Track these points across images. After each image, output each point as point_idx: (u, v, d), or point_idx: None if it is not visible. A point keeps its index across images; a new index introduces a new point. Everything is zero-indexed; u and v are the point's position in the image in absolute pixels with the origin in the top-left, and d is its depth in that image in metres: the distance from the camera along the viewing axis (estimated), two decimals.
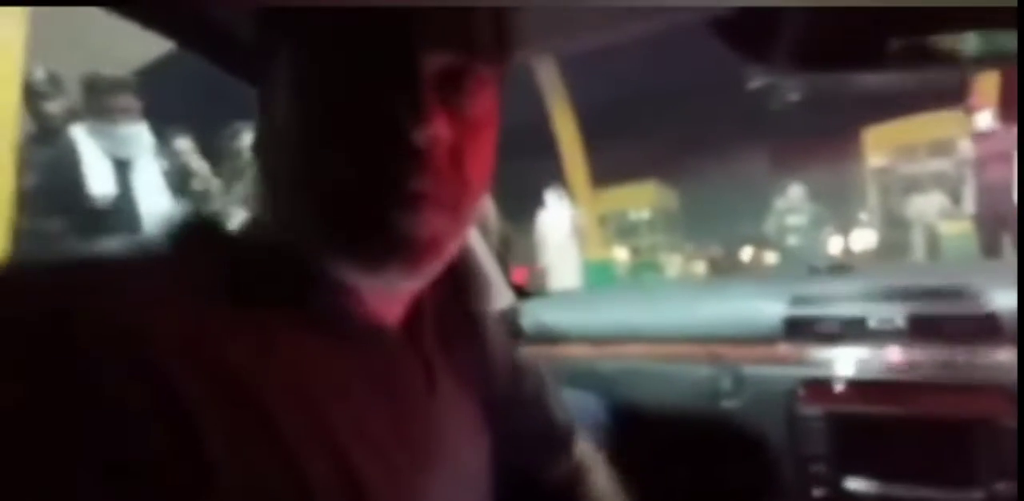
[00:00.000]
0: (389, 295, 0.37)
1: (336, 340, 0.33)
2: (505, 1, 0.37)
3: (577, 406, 0.77)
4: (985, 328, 0.74)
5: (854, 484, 0.76)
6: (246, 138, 2.01)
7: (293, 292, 0.32)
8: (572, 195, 6.65)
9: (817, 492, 0.76)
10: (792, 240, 5.66)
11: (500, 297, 1.20)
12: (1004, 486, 0.69)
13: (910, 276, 0.94)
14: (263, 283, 0.32)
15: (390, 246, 0.31)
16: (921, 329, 0.77)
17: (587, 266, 6.44)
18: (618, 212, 12.65)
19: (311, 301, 0.33)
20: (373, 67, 0.30)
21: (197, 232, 0.34)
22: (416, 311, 0.39)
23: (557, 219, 5.37)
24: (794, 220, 5.63)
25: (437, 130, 0.30)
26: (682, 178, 13.95)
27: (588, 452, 0.57)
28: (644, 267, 10.64)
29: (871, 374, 0.78)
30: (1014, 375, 0.70)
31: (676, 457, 0.82)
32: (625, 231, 12.71)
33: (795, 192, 5.72)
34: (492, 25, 0.34)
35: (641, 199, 12.97)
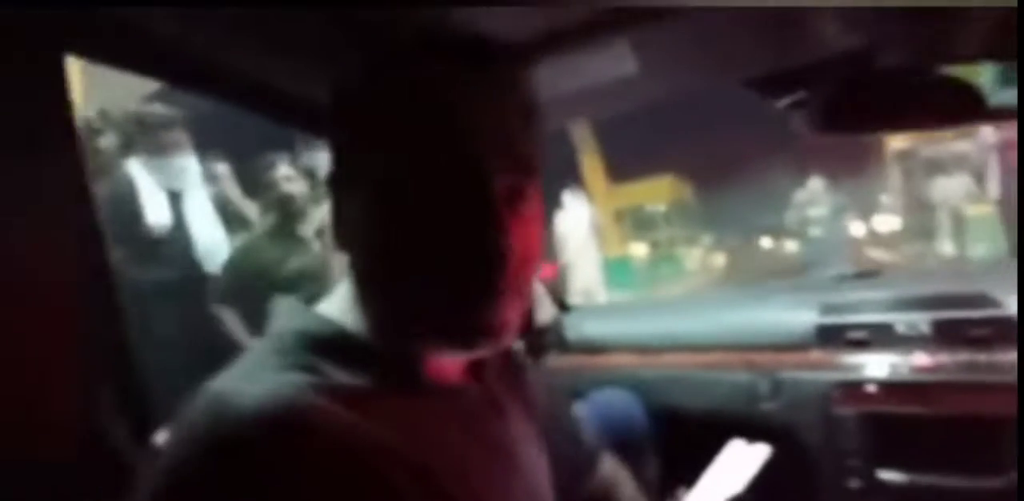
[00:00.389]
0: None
1: (432, 406, 0.41)
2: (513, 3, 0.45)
3: (619, 406, 0.85)
4: (1004, 331, 0.80)
5: (887, 475, 0.83)
6: (281, 169, 2.07)
7: (398, 376, 0.40)
8: (589, 193, 6.69)
9: (853, 483, 0.84)
10: (814, 231, 5.64)
11: (544, 311, 1.29)
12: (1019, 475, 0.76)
13: (934, 283, 1.00)
14: (377, 375, 0.39)
15: (482, 333, 0.38)
16: (945, 334, 0.84)
17: (607, 263, 6.49)
18: (635, 206, 12.62)
19: (409, 380, 0.40)
20: (452, 187, 0.36)
21: (317, 344, 0.39)
22: (478, 360, 0.46)
23: (575, 218, 5.41)
24: (815, 212, 5.60)
25: (511, 238, 0.37)
26: (700, 171, 13.89)
27: (614, 468, 0.61)
28: (662, 261, 10.62)
29: (899, 377, 0.84)
30: None
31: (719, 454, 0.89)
32: (642, 225, 12.67)
33: (815, 184, 5.69)
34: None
35: (658, 193, 12.92)
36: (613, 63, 0.59)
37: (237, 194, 2.38)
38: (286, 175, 2.03)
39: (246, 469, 0.31)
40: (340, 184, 0.42)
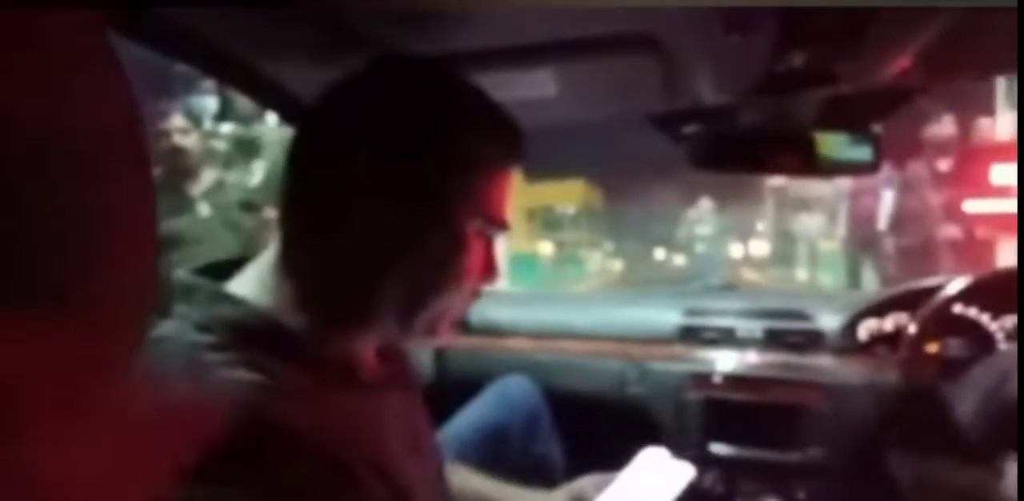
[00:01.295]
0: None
1: (365, 395, 0.44)
2: (504, 3, 0.53)
3: (518, 390, 0.97)
4: (813, 341, 1.03)
5: (717, 448, 1.03)
6: (175, 119, 1.89)
7: (338, 370, 0.43)
8: None
9: (691, 453, 1.03)
10: (700, 247, 6.26)
11: None
12: (814, 452, 0.98)
13: (771, 299, 1.23)
14: (317, 369, 0.41)
15: (432, 327, 0.45)
16: (771, 339, 1.05)
17: (513, 258, 6.68)
18: (546, 206, 13.00)
19: (348, 373, 0.43)
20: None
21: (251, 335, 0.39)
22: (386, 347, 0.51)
23: None
24: (702, 230, 6.21)
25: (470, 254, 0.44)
26: (609, 179, 14.66)
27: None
28: (567, 261, 11.11)
29: (736, 371, 1.05)
30: (828, 375, 0.99)
31: (595, 429, 1.02)
32: (551, 225, 13.10)
33: (705, 204, 6.31)
34: None
35: (569, 195, 13.39)
36: (535, 85, 0.67)
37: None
38: (180, 127, 1.87)
39: (221, 479, 0.30)
40: (312, 170, 0.42)
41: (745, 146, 0.73)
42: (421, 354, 1.25)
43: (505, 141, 0.45)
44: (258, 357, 0.38)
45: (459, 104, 0.44)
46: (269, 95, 0.69)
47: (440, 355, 1.26)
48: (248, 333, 0.39)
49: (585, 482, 0.70)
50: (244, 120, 2.20)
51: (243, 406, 0.34)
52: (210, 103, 2.10)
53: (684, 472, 0.66)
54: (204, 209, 1.88)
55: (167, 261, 0.43)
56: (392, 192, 0.41)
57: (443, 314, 0.45)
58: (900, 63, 0.62)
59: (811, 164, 0.72)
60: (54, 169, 0.16)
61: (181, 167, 1.86)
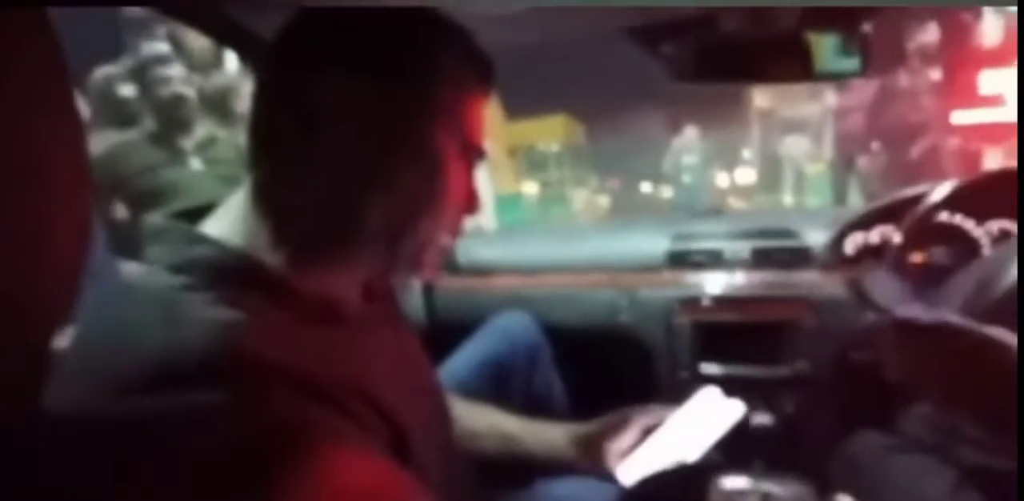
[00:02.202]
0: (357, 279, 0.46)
1: (352, 330, 0.43)
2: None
3: (517, 325, 0.97)
4: (800, 257, 1.04)
5: (707, 368, 1.06)
6: (175, 66, 1.80)
7: (321, 306, 0.41)
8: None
9: (682, 375, 1.06)
10: (686, 177, 6.20)
11: None
12: (801, 365, 1.01)
13: (757, 220, 1.22)
14: (298, 306, 0.39)
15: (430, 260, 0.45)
16: (758, 259, 1.06)
17: (499, 199, 6.63)
18: (528, 145, 12.75)
19: (331, 309, 0.42)
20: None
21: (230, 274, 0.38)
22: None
23: None
24: (688, 159, 6.13)
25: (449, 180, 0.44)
26: (591, 113, 14.26)
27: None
28: (552, 200, 11.05)
29: (725, 292, 1.06)
30: (815, 291, 1.01)
31: (589, 360, 1.04)
32: (535, 164, 12.91)
33: (690, 132, 6.18)
34: None
35: (551, 132, 13.10)
36: None
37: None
38: (181, 76, 1.77)
39: (213, 428, 0.30)
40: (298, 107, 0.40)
41: (735, 54, 0.68)
42: (411, 296, 1.25)
43: (477, 65, 0.45)
44: (236, 296, 0.36)
45: (429, 26, 0.43)
46: (231, 35, 0.65)
47: (430, 296, 1.26)
48: (225, 272, 0.38)
49: (628, 414, 0.71)
50: (200, 68, 2.08)
51: (224, 343, 0.33)
52: (162, 48, 1.96)
53: (735, 409, 0.69)
54: (195, 163, 1.83)
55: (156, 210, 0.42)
56: (365, 116, 0.40)
57: (426, 245, 0.44)
58: None
59: (808, 68, 0.68)
60: None
61: (177, 117, 1.79)
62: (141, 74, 1.85)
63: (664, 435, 0.66)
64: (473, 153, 0.46)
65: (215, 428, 0.30)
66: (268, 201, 0.41)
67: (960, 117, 3.18)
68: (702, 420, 0.68)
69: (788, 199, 7.28)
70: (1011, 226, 0.89)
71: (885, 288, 0.79)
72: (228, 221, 0.42)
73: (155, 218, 0.41)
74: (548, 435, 0.73)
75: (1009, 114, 3.05)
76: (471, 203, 0.47)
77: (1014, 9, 3.42)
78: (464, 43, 0.44)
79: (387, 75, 0.40)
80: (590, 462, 0.70)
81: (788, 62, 0.69)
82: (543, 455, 0.71)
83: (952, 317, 0.47)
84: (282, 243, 0.41)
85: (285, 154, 0.41)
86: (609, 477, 0.68)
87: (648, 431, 0.69)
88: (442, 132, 0.42)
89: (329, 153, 0.40)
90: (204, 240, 0.39)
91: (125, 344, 0.33)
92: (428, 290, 1.27)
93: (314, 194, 0.41)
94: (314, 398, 0.34)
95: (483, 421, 0.71)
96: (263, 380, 0.32)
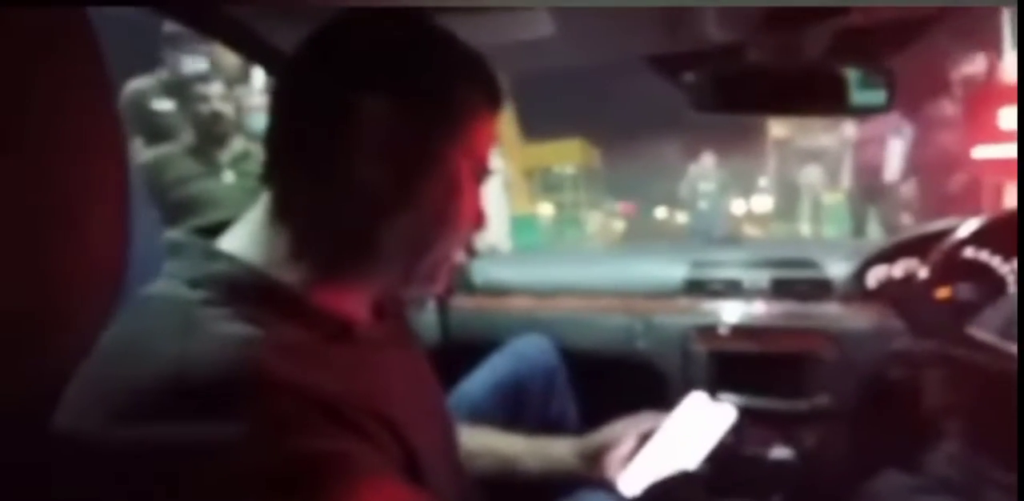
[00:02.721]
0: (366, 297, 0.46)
1: (364, 349, 0.43)
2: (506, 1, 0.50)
3: (535, 349, 0.97)
4: (820, 289, 1.02)
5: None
6: (215, 85, 1.89)
7: (333, 324, 0.41)
8: (503, 150, 6.71)
9: None
10: (702, 204, 6.19)
11: None
12: (822, 399, 0.99)
13: (776, 249, 1.21)
14: (311, 324, 0.39)
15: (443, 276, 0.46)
16: (777, 289, 1.04)
17: (514, 220, 6.65)
18: (544, 167, 12.86)
19: (344, 327, 0.41)
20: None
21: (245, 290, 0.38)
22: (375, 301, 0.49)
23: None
24: (705, 186, 6.13)
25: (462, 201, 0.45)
26: (607, 137, 14.40)
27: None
28: (567, 223, 11.07)
29: (742, 322, 1.04)
30: (836, 323, 0.99)
31: (603, 384, 1.02)
32: (550, 186, 13.00)
33: (707, 160, 6.20)
34: None
35: (567, 155, 13.21)
36: (531, 25, 0.65)
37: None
38: (220, 93, 1.87)
39: (235, 457, 0.29)
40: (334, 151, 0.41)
41: (758, 84, 0.69)
42: (426, 315, 1.25)
43: (490, 87, 0.46)
44: (252, 312, 0.37)
45: (446, 48, 0.44)
46: (256, 49, 0.67)
47: (445, 315, 1.26)
48: (240, 288, 0.38)
49: (626, 422, 0.71)
50: (233, 84, 2.17)
51: (240, 359, 0.33)
52: (201, 65, 2.06)
53: (727, 414, 0.68)
54: (229, 177, 1.92)
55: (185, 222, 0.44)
56: (385, 135, 0.40)
57: (440, 263, 0.46)
58: None
59: (837, 101, 0.68)
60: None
61: (215, 133, 1.89)
62: (180, 89, 1.94)
63: (660, 443, 0.66)
64: (482, 173, 0.47)
65: (238, 457, 0.29)
66: (284, 217, 0.42)
67: (981, 152, 3.16)
68: (696, 426, 0.67)
69: (805, 228, 7.21)
70: None
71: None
72: (244, 237, 0.42)
73: (173, 233, 0.42)
74: (549, 450, 0.73)
75: None
76: (479, 221, 0.48)
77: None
78: (478, 66, 0.45)
79: (406, 96, 0.41)
80: (594, 473, 0.70)
81: (815, 95, 0.69)
82: (546, 471, 0.71)
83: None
84: (297, 260, 0.41)
85: (301, 171, 0.42)
86: (613, 488, 0.67)
87: (646, 437, 0.69)
88: (459, 153, 0.43)
89: (347, 171, 0.41)
90: (220, 256, 0.40)
91: (142, 355, 0.33)
92: (443, 310, 1.27)
93: (330, 212, 0.41)
94: (332, 420, 0.34)
95: (477, 442, 0.70)
96: (280, 399, 0.32)
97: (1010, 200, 2.81)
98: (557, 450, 0.73)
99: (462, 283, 1.30)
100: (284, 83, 0.44)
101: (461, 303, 1.28)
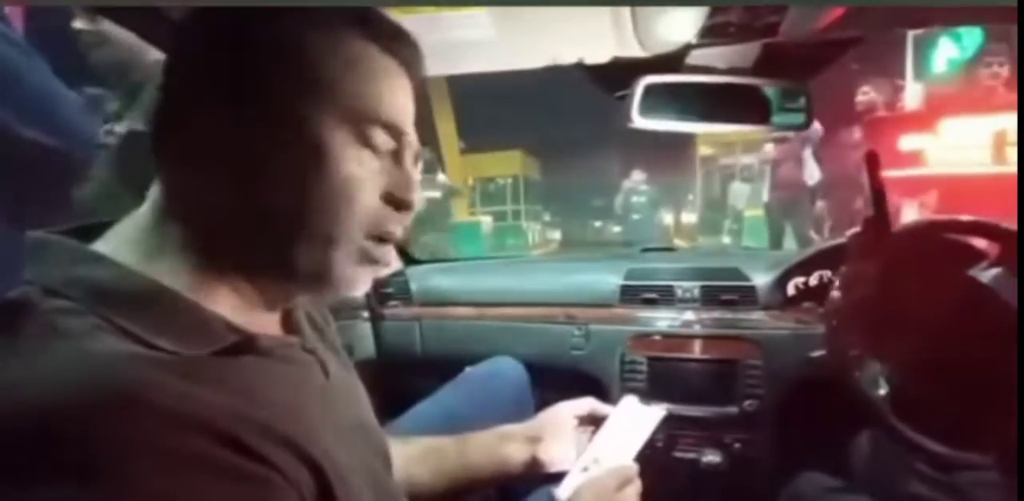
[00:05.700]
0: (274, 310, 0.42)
1: (266, 364, 0.38)
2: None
3: (504, 375, 0.93)
4: (747, 297, 1.07)
5: (661, 405, 1.05)
6: None
7: (227, 335, 0.36)
8: (443, 159, 6.68)
9: None
10: (635, 216, 6.43)
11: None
12: (749, 404, 1.02)
13: (706, 260, 1.26)
14: (204, 336, 0.35)
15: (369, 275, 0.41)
16: (707, 297, 1.08)
17: (458, 227, 6.61)
18: (485, 177, 12.94)
19: (241, 339, 0.36)
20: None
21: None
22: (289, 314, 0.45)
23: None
24: (637, 199, 6.38)
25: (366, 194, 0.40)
26: (546, 149, 14.66)
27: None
28: (508, 232, 11.13)
29: (675, 329, 1.07)
30: (761, 330, 1.03)
31: (543, 393, 1.02)
32: (491, 196, 13.09)
33: (638, 175, 6.47)
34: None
35: (508, 166, 13.35)
36: (473, 25, 0.65)
37: None
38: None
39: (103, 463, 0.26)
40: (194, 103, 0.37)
41: (692, 97, 0.71)
42: (360, 326, 1.20)
43: (365, 22, 0.39)
44: (125, 322, 0.32)
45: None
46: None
47: (378, 325, 1.21)
48: (113, 294, 0.33)
49: (564, 405, 0.71)
50: None
51: (106, 378, 0.28)
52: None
53: (657, 414, 0.72)
54: None
55: None
56: (233, 105, 0.36)
57: (331, 251, 0.38)
58: (834, 12, 0.62)
59: (765, 117, 0.72)
60: None
61: None
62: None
63: (594, 447, 0.67)
64: (379, 138, 0.39)
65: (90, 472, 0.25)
66: (166, 211, 0.37)
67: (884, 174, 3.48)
68: (628, 427, 0.70)
69: (727, 241, 7.64)
70: None
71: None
72: (121, 238, 0.37)
73: (36, 233, 0.36)
74: (492, 439, 0.68)
75: (925, 171, 3.38)
76: (394, 200, 0.40)
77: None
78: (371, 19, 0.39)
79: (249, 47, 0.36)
80: (530, 460, 0.67)
81: (741, 109, 0.73)
82: (484, 464, 0.67)
83: None
84: (181, 258, 0.36)
85: (176, 165, 0.38)
86: (549, 478, 0.65)
87: (581, 422, 0.70)
88: (323, 111, 0.37)
89: (218, 156, 0.36)
90: (91, 257, 0.35)
91: None
92: (377, 319, 1.22)
93: (204, 197, 0.37)
94: (233, 452, 0.29)
95: (415, 450, 0.65)
96: (156, 425, 0.27)
97: (907, 216, 3.10)
98: (489, 440, 0.69)
99: (398, 292, 1.26)
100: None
101: (396, 313, 1.24)
